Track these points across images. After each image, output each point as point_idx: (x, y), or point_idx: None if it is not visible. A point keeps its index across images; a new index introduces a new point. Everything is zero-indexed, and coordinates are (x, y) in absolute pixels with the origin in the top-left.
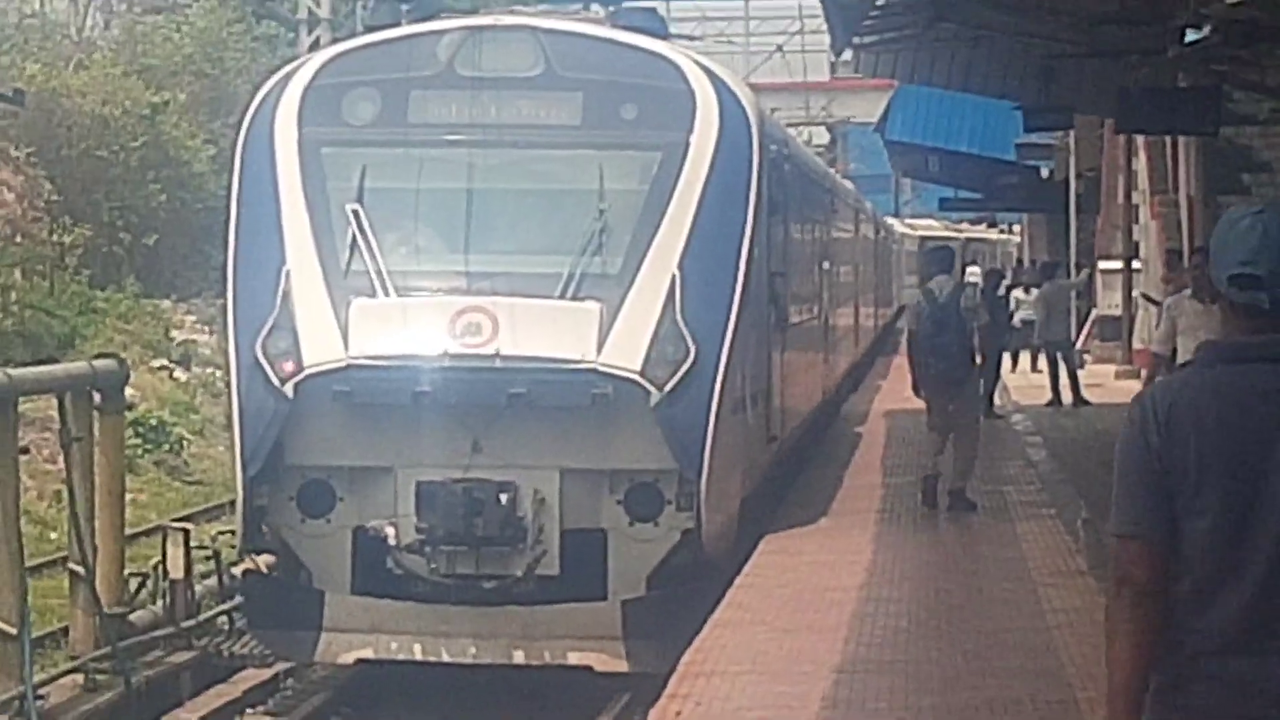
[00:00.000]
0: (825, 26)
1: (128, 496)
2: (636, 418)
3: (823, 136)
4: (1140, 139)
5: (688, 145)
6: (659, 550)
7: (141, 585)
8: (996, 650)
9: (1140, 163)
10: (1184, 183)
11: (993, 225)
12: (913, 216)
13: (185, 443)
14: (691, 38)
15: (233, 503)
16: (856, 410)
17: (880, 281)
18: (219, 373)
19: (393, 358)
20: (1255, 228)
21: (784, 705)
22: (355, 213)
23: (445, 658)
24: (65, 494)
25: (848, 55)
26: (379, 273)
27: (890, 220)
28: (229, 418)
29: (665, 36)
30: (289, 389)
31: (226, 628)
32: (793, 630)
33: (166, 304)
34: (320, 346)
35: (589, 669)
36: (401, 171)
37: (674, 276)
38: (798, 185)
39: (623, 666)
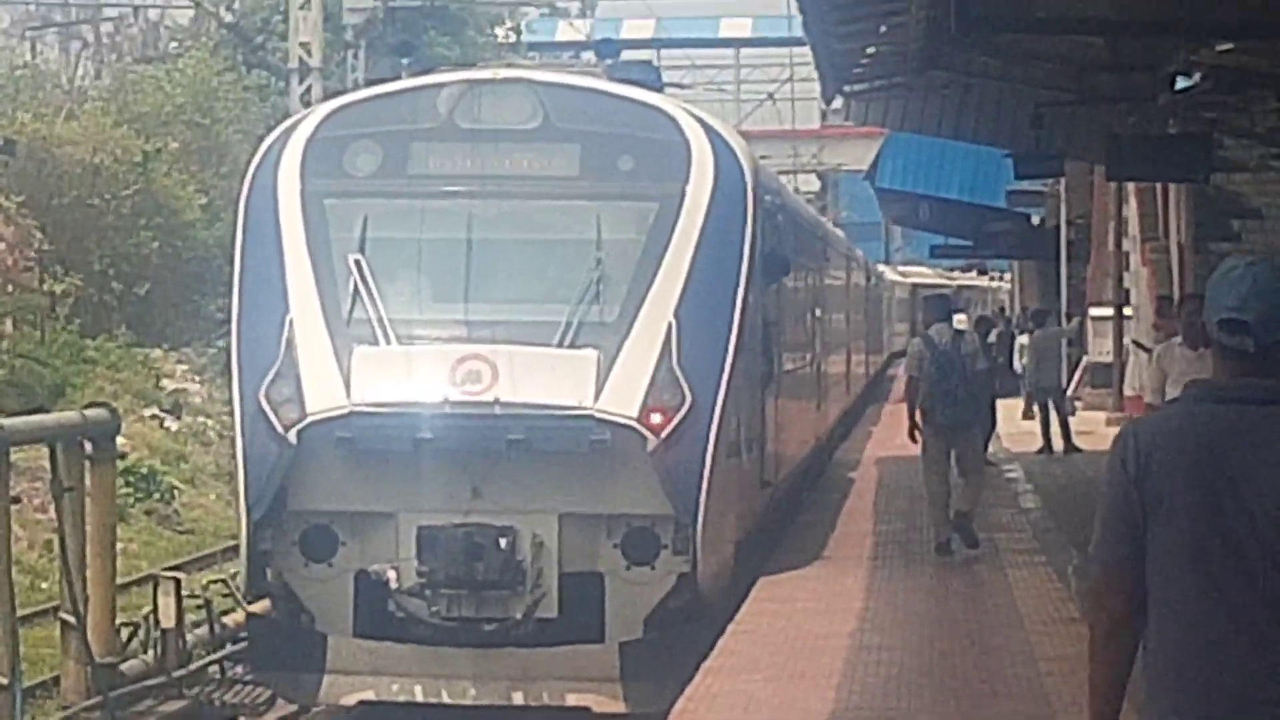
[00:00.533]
0: (816, 74)
1: (119, 546)
2: (633, 463)
3: (813, 184)
4: (1131, 186)
5: (683, 196)
6: (655, 593)
7: (133, 635)
8: (988, 698)
9: (1131, 209)
10: (1175, 229)
11: (983, 273)
12: (904, 264)
13: (176, 492)
14: (682, 86)
15: (224, 551)
16: (849, 457)
17: (870, 329)
18: (210, 421)
19: (394, 405)
20: (1246, 277)
21: None
22: (357, 263)
23: (445, 699)
24: (56, 543)
25: (838, 103)
26: (380, 321)
27: (881, 268)
28: (233, 463)
29: (660, 89)
30: (292, 435)
31: (218, 677)
32: (784, 678)
33: (157, 353)
34: (323, 394)
35: (587, 710)
36: (402, 222)
37: (670, 325)
38: (791, 234)
39: (620, 707)
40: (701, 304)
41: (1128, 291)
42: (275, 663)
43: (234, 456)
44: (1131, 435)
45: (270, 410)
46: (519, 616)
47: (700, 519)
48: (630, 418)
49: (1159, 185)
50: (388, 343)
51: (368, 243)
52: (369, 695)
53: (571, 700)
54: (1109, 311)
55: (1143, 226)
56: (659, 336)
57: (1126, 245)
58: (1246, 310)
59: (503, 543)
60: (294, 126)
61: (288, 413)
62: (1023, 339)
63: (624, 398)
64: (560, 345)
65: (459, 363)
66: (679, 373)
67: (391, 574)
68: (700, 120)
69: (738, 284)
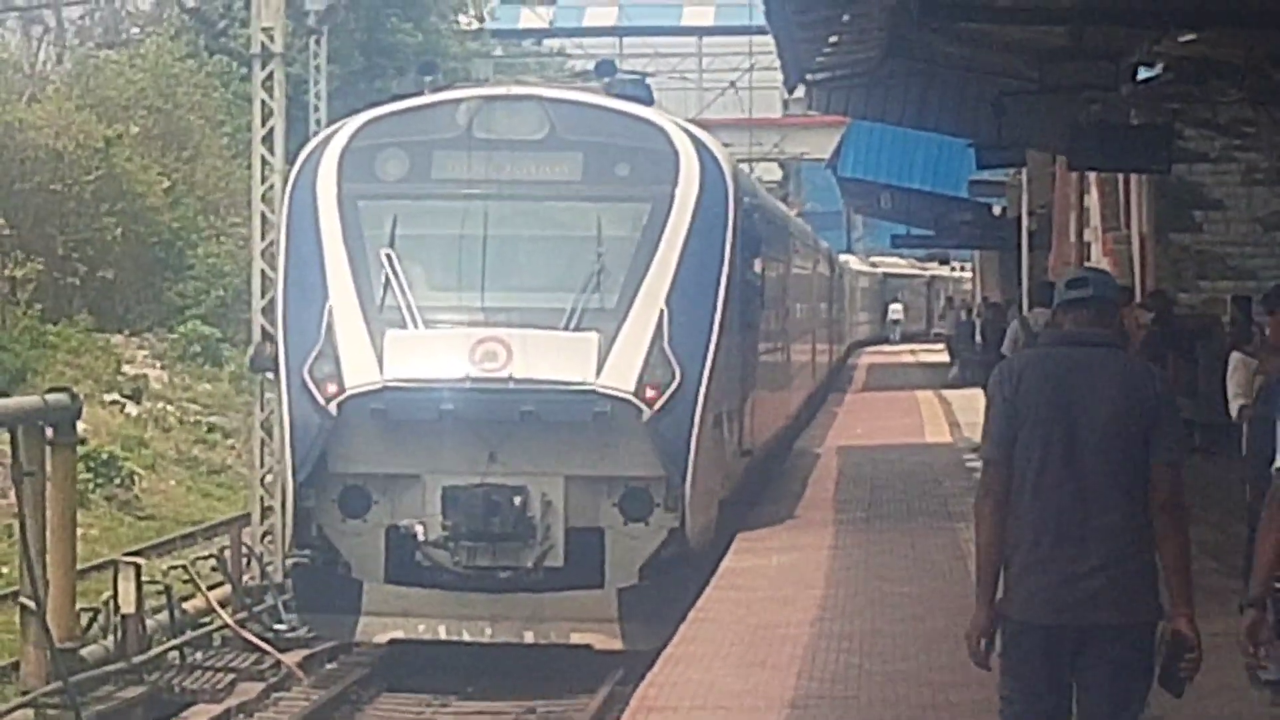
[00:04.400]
0: (778, 63)
1: (79, 531)
2: (630, 432)
3: (775, 173)
4: (1093, 176)
5: (673, 198)
6: (649, 545)
7: (93, 620)
8: (949, 686)
9: (1092, 199)
10: (1136, 220)
11: (944, 262)
12: (865, 253)
13: (136, 477)
14: (644, 74)
15: (184, 537)
16: (811, 446)
17: (833, 319)
18: (170, 407)
19: (421, 381)
20: (1083, 269)
21: None
22: (388, 256)
23: (465, 637)
24: (16, 528)
25: (800, 92)
26: (409, 308)
27: (846, 257)
28: (280, 432)
29: (651, 103)
30: (332, 407)
31: (178, 663)
32: (746, 666)
33: (118, 338)
34: (359, 371)
35: (589, 647)
36: (427, 221)
37: (662, 311)
38: (765, 232)
39: (618, 645)
40: (689, 293)
41: None
42: (316, 606)
43: (281, 426)
44: (1008, 366)
45: (313, 385)
46: (530, 565)
47: (689, 480)
48: (627, 392)
49: (1121, 176)
50: (415, 326)
51: (397, 239)
52: (399, 634)
53: (575, 639)
54: None
55: (1104, 217)
56: (652, 321)
57: (1088, 235)
58: (1087, 274)
59: (516, 501)
60: (330, 137)
61: (328, 387)
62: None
63: (622, 374)
64: (566, 329)
65: (478, 344)
66: (670, 353)
67: (419, 528)
68: (688, 132)
69: (720, 276)
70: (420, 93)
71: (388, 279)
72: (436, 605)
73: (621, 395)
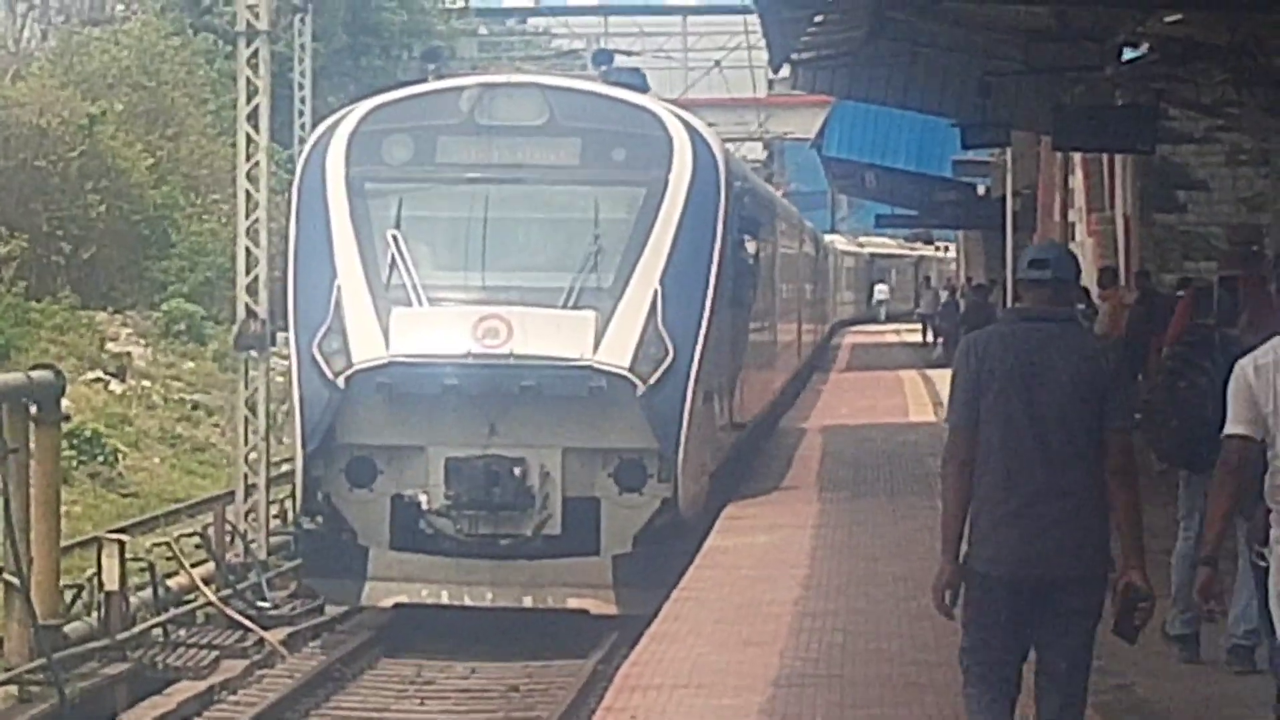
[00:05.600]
0: (763, 42)
1: (62, 508)
2: (625, 406)
3: (759, 153)
4: (1077, 156)
5: (667, 183)
6: (643, 515)
7: (76, 597)
8: (932, 665)
9: (1077, 180)
10: (1120, 200)
11: (928, 242)
12: (852, 233)
13: (120, 455)
14: (629, 53)
15: (167, 515)
16: (795, 425)
17: (817, 299)
18: (154, 385)
19: (426, 356)
20: (1045, 244)
21: (721, 719)
22: (394, 237)
23: (467, 602)
24: (0, 505)
25: (785, 71)
26: (414, 287)
27: (831, 237)
28: (290, 404)
29: (646, 91)
30: (340, 381)
31: (161, 640)
32: (730, 644)
33: (102, 316)
34: (366, 346)
35: (585, 612)
36: (431, 203)
37: (656, 290)
38: (754, 214)
39: (613, 610)
40: (682, 273)
41: None
42: (323, 571)
43: (291, 398)
44: (973, 341)
45: (322, 360)
46: (529, 533)
47: (681, 452)
48: (623, 368)
49: (1105, 156)
50: (420, 304)
51: (402, 220)
52: (403, 599)
53: (572, 603)
54: None
55: (1089, 197)
56: (647, 300)
57: (1072, 216)
58: (1046, 253)
59: (516, 472)
60: (338, 123)
61: (337, 362)
62: None
63: (618, 351)
64: (564, 307)
65: (480, 321)
66: (663, 331)
67: (423, 497)
68: (681, 118)
69: (712, 257)
70: (424, 79)
71: (394, 259)
72: (439, 571)
73: (617, 371)
